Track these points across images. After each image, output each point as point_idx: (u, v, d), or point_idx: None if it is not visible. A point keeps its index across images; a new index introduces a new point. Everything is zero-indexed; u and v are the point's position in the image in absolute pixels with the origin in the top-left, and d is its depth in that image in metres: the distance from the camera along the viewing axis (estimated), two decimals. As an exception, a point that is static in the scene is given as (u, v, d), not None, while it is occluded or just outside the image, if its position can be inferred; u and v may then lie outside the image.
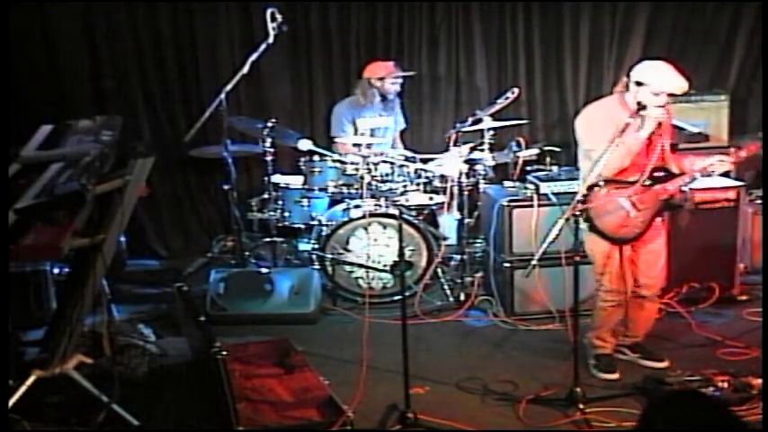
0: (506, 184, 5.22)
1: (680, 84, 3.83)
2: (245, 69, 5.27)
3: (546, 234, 3.84)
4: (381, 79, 5.78)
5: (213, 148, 5.60)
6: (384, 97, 5.85)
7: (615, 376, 4.08)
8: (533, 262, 3.98)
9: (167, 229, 6.39)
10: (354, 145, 5.53)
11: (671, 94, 3.84)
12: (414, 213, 5.26)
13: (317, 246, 5.21)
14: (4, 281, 3.24)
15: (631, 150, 3.84)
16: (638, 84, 3.84)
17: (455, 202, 5.42)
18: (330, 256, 5.16)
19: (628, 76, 3.93)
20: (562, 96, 6.60)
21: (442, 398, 3.90)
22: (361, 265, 5.18)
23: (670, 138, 4.03)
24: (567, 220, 3.73)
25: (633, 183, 3.91)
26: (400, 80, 5.87)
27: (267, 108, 6.18)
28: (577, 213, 3.73)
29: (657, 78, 3.81)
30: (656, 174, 3.93)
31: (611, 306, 4.10)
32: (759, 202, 5.31)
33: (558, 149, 5.51)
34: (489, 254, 5.15)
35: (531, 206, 4.80)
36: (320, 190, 5.39)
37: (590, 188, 3.84)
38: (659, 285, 4.15)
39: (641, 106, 3.81)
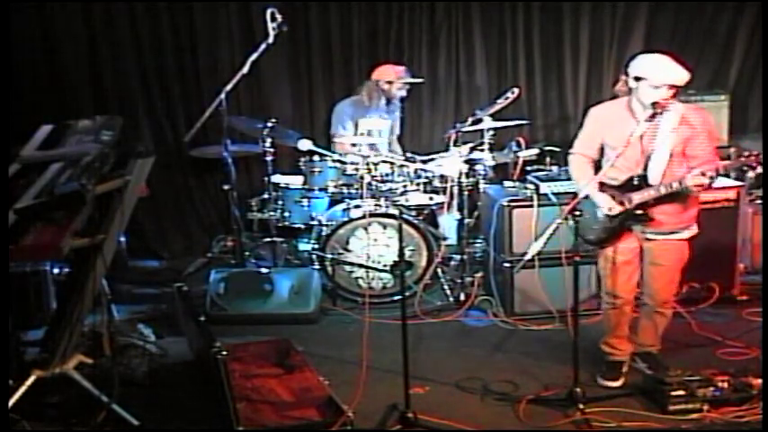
0: (506, 184, 5.21)
1: (680, 74, 3.63)
2: (245, 69, 5.26)
3: (542, 232, 3.83)
4: (390, 83, 5.78)
5: (213, 148, 5.60)
6: (388, 101, 5.85)
7: (615, 384, 3.97)
8: (525, 258, 3.97)
9: (167, 229, 6.39)
10: (353, 145, 5.52)
11: (673, 87, 3.62)
12: (414, 213, 5.26)
13: (317, 246, 5.21)
14: (4, 281, 3.25)
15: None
16: (637, 79, 3.66)
17: (455, 202, 5.41)
18: (330, 256, 5.16)
19: (626, 73, 3.77)
20: (562, 96, 6.60)
21: (442, 398, 3.90)
22: (361, 265, 5.18)
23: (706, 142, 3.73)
24: (566, 219, 3.72)
25: (616, 187, 3.81)
26: (408, 86, 5.87)
27: (267, 108, 6.18)
28: (577, 213, 3.68)
29: (655, 70, 3.63)
30: (631, 181, 3.77)
31: (610, 309, 4.05)
32: (759, 202, 5.30)
33: (557, 149, 5.50)
34: (489, 254, 5.15)
35: (531, 206, 4.80)
36: (320, 190, 5.40)
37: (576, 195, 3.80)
38: (662, 299, 3.98)
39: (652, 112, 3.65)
